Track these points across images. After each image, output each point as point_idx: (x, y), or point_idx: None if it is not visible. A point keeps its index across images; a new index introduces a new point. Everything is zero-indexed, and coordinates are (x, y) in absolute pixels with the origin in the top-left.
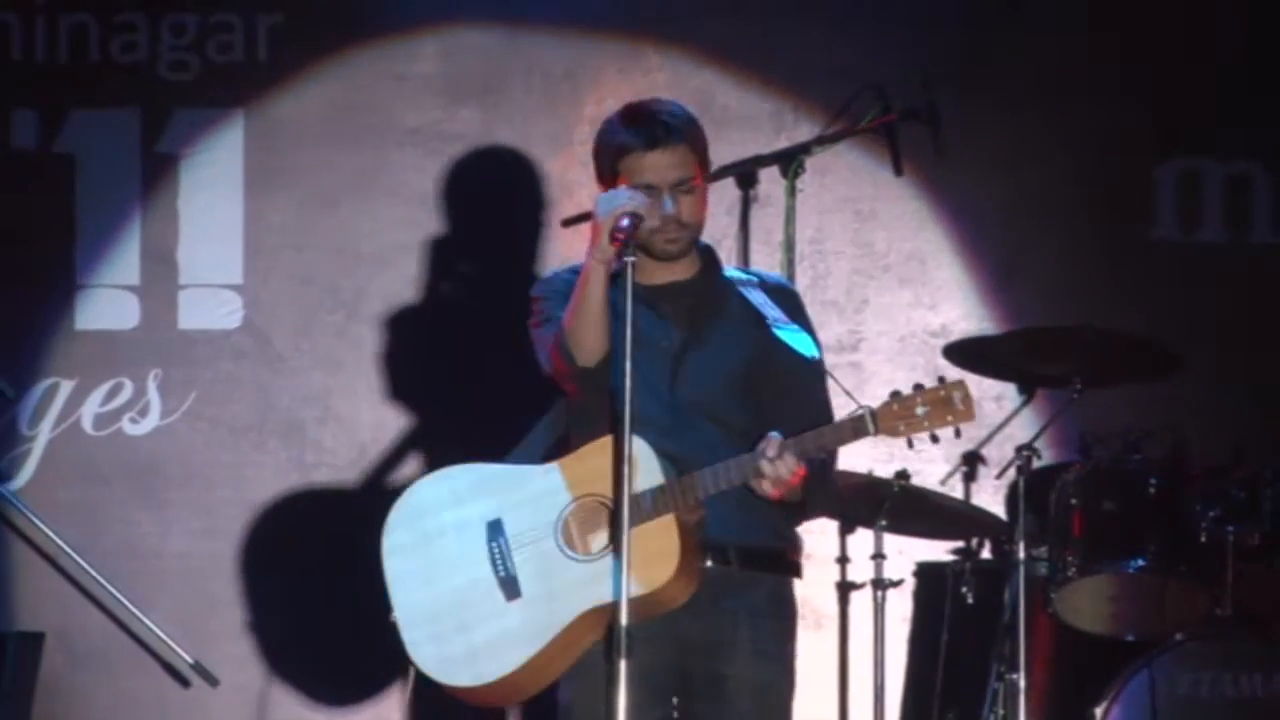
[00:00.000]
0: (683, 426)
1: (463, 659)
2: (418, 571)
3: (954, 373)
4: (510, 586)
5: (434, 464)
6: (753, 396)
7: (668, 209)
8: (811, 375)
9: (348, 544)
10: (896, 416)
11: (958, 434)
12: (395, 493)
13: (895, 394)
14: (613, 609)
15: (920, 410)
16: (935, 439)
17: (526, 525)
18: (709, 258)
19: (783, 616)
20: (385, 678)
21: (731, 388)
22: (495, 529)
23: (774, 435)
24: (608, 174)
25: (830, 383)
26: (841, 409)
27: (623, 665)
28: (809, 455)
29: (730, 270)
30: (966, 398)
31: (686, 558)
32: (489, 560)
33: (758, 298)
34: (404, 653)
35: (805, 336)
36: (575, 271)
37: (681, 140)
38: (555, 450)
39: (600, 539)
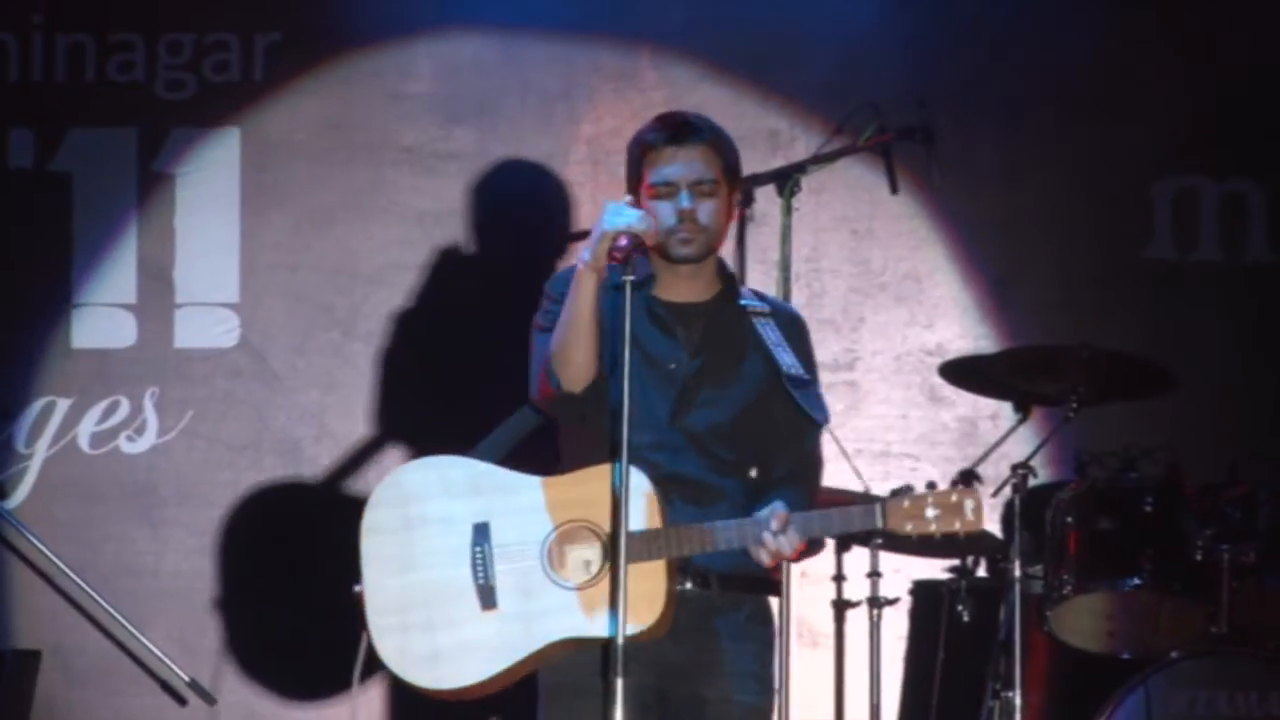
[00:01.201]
0: (671, 451)
1: (425, 659)
2: (395, 556)
3: (949, 391)
4: (487, 596)
5: None
6: (745, 438)
7: (684, 204)
8: (812, 432)
9: (345, 561)
10: (906, 516)
11: (960, 540)
12: None
13: (909, 491)
14: (588, 641)
15: (930, 513)
16: (939, 542)
17: (513, 537)
18: (728, 281)
19: (762, 637)
20: (384, 692)
21: (731, 426)
22: (481, 533)
23: (779, 507)
24: (634, 174)
25: (832, 444)
26: (837, 468)
27: (619, 683)
28: (812, 535)
29: (746, 297)
30: (978, 508)
31: (671, 601)
32: (470, 563)
33: (772, 335)
34: (364, 628)
35: (818, 399)
36: None
37: (703, 140)
38: (522, 450)
39: (583, 566)
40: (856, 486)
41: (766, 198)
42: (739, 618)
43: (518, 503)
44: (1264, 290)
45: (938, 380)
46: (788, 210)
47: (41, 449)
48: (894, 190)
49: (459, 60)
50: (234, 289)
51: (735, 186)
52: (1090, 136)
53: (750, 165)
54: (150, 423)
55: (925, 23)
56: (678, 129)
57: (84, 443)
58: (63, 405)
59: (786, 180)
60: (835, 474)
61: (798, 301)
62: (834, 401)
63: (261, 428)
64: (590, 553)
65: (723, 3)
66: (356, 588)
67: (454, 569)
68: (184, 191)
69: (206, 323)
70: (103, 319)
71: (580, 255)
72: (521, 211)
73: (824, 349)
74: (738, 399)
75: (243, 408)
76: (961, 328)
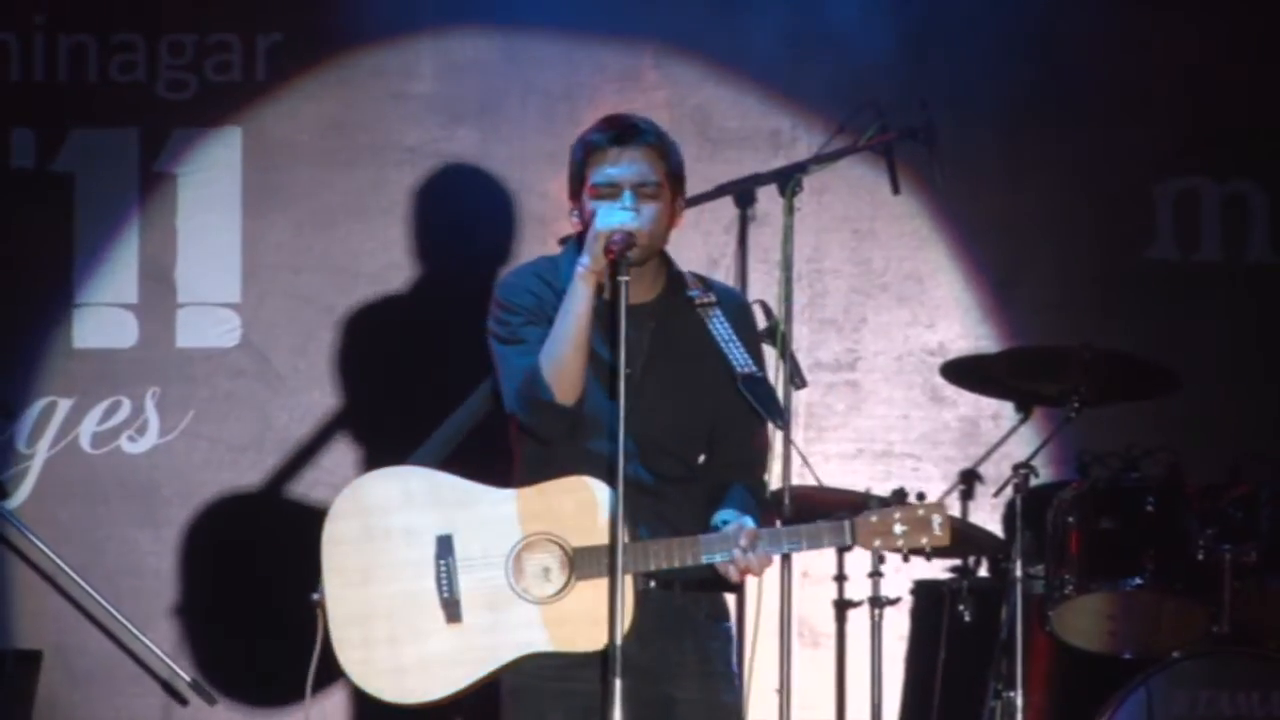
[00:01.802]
0: (629, 458)
1: (389, 672)
2: (357, 567)
3: (950, 391)
4: (452, 609)
5: None
6: (699, 440)
7: (626, 203)
8: (761, 429)
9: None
10: (875, 532)
11: (928, 557)
12: None
13: (879, 505)
14: (553, 656)
15: (898, 529)
16: (907, 558)
17: (477, 550)
18: (674, 278)
19: (725, 634)
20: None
21: (678, 427)
22: (445, 546)
23: (748, 523)
24: (577, 174)
25: (790, 446)
26: (842, 467)
27: (618, 684)
28: (780, 552)
29: (691, 287)
30: (945, 523)
31: (636, 608)
32: (434, 576)
33: (722, 331)
34: (321, 636)
35: (772, 398)
36: (539, 274)
37: (647, 143)
38: (466, 451)
39: (542, 574)
40: (857, 487)
41: (768, 198)
42: (700, 616)
43: (481, 515)
44: (1265, 291)
45: (939, 380)
46: (789, 210)
47: (43, 449)
48: (896, 190)
49: (461, 60)
50: (235, 289)
51: (678, 191)
52: (1092, 137)
53: (752, 165)
54: (152, 423)
55: (927, 23)
56: (623, 130)
57: (85, 443)
58: (64, 405)
59: (788, 180)
60: (836, 474)
61: (799, 302)
62: (835, 401)
63: (263, 428)
64: (550, 560)
65: (725, 3)
66: (315, 595)
67: (417, 581)
68: (185, 192)
69: (208, 323)
70: (104, 319)
71: (579, 262)
72: (522, 212)
73: (825, 349)
74: (692, 402)
75: (244, 408)
76: (963, 328)
